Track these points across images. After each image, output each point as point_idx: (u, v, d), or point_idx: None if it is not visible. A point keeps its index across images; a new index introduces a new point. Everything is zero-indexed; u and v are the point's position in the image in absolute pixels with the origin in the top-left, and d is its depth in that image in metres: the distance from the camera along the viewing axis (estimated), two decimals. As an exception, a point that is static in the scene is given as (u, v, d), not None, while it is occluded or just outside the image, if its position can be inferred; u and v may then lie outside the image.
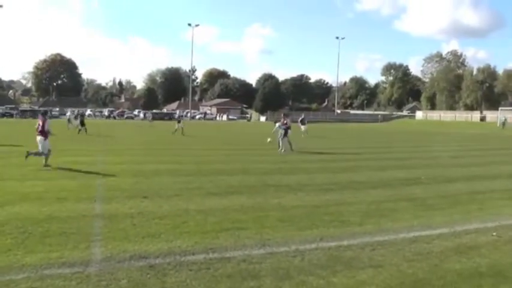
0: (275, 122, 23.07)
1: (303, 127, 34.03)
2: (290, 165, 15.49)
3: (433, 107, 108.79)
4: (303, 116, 36.20)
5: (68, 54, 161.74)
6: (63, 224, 6.94)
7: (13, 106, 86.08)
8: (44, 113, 14.63)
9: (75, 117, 35.72)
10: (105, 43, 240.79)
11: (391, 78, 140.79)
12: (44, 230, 6.61)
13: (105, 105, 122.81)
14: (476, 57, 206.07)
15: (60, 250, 5.69)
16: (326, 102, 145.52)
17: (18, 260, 5.31)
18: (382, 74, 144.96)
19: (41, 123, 13.58)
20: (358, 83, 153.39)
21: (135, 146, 23.09)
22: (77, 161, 15.10)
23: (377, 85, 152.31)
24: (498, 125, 62.70)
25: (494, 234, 7.04)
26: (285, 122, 20.72)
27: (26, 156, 13.66)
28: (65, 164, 14.27)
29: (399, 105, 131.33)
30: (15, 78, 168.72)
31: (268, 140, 22.89)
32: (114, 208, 8.19)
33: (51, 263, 5.24)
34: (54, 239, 6.16)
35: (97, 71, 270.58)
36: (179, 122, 35.91)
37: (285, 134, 20.36)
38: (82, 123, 31.92)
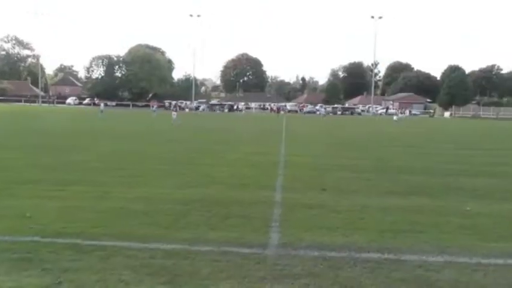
0: None
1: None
2: (474, 167, 13.65)
3: None
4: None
5: (254, 54, 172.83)
6: (244, 208, 7.38)
7: (204, 100, 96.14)
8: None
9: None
10: (288, 43, 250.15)
11: None
12: (227, 211, 7.13)
13: (287, 99, 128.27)
14: None
15: (239, 231, 6.04)
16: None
17: (203, 235, 5.84)
18: None
19: None
20: None
21: (318, 141, 23.48)
22: (259, 151, 16.01)
23: None
24: None
25: None
26: None
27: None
28: (248, 154, 15.30)
29: None
30: (207, 77, 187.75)
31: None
32: (293, 198, 8.37)
33: (231, 241, 5.60)
34: (235, 220, 6.59)
35: (281, 68, 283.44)
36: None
37: None
38: None
